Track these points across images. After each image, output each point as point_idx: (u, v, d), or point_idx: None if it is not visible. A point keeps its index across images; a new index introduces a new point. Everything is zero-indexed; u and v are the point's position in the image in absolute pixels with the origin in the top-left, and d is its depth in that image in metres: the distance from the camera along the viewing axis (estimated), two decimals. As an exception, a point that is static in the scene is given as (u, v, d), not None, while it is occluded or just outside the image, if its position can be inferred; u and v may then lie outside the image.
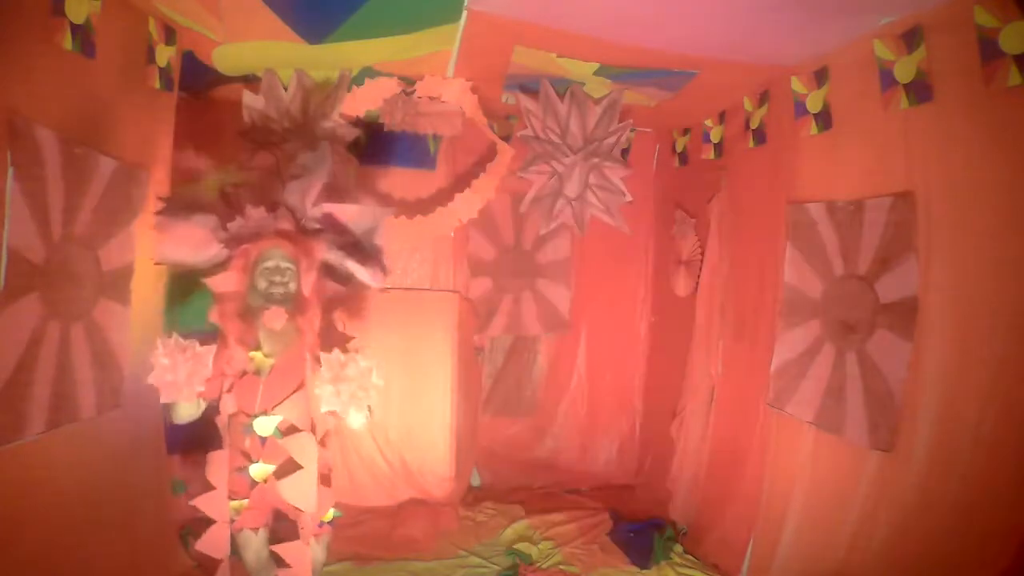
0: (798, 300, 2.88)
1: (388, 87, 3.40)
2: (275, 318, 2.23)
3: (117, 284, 2.57)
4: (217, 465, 2.32)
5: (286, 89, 3.30)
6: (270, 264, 2.28)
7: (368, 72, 3.34)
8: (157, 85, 2.76)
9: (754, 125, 3.29)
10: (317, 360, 2.25)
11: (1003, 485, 2.00)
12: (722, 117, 3.65)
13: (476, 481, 4.38)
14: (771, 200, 3.11)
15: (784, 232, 2.96)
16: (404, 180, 3.98)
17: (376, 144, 3.85)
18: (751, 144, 3.32)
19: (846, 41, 2.57)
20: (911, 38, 2.29)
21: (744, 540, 3.11)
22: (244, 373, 2.30)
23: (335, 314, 2.58)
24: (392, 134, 3.75)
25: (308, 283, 2.31)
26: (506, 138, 3.91)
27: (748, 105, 3.33)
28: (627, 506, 4.03)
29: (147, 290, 2.82)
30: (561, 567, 3.29)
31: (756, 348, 3.22)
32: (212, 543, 2.37)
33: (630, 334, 4.62)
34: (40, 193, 2.05)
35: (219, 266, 2.36)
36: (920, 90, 2.29)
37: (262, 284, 2.27)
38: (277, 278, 2.27)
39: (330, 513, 2.56)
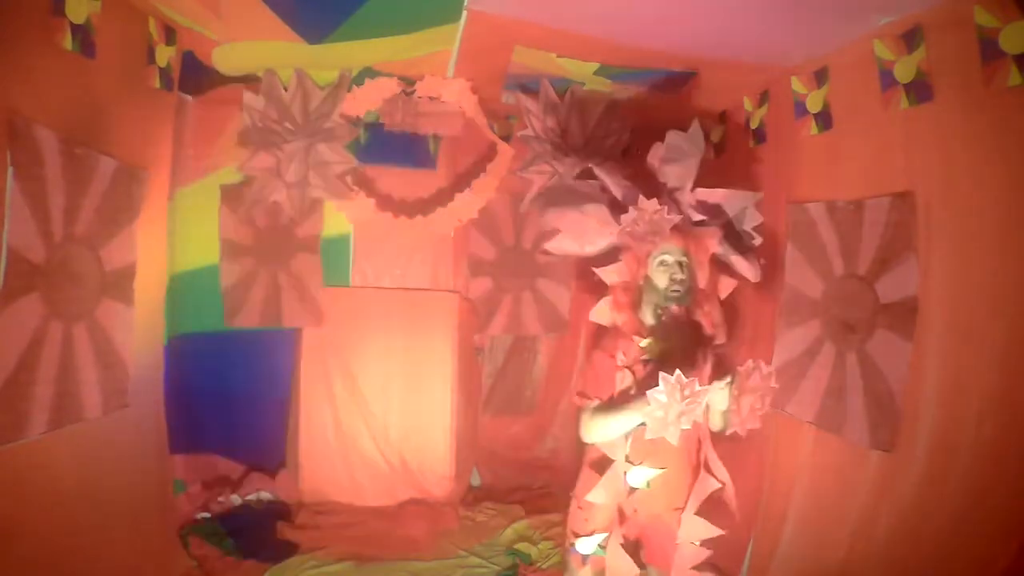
0: (798, 300, 2.88)
1: (388, 87, 3.41)
2: (675, 316, 2.12)
3: (119, 284, 2.58)
4: (613, 480, 2.17)
5: (286, 89, 3.30)
6: (668, 259, 2.15)
7: (368, 72, 3.35)
8: (157, 85, 2.76)
9: (754, 125, 3.29)
10: (718, 358, 2.17)
11: (1003, 485, 2.00)
12: (722, 117, 3.65)
13: (476, 481, 4.38)
14: (771, 200, 3.11)
15: (784, 232, 2.96)
16: (404, 180, 3.98)
17: (376, 144, 3.87)
18: (751, 144, 3.32)
19: (846, 41, 2.57)
20: (911, 38, 2.29)
21: (744, 540, 3.11)
22: (644, 363, 2.14)
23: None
24: (392, 134, 3.75)
25: (703, 276, 2.22)
26: (506, 138, 3.92)
27: (748, 105, 3.33)
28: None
29: (148, 290, 2.82)
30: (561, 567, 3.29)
31: (756, 348, 3.22)
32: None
33: (630, 334, 4.62)
34: (40, 193, 2.06)
35: (608, 255, 2.27)
36: (920, 90, 2.29)
37: (662, 282, 2.16)
38: (678, 276, 2.14)
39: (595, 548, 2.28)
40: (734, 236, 2.35)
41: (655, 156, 2.40)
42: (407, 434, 4.00)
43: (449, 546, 3.46)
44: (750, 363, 2.03)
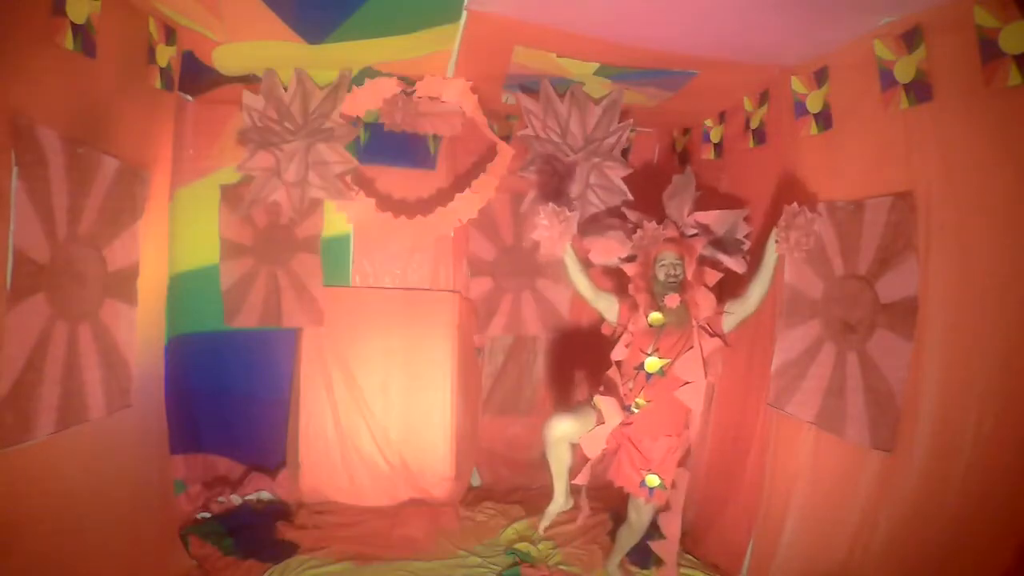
0: (798, 300, 2.89)
1: (388, 87, 3.40)
2: (673, 301, 2.83)
3: (123, 284, 2.58)
4: (610, 406, 2.88)
5: (286, 89, 3.30)
6: (666, 261, 2.92)
7: (368, 72, 3.34)
8: (158, 85, 2.76)
9: (754, 125, 3.30)
10: (704, 328, 2.87)
11: (1003, 485, 2.01)
12: (722, 117, 3.65)
13: (476, 481, 4.38)
14: (771, 200, 3.11)
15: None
16: (404, 180, 3.98)
17: (376, 144, 3.86)
18: (751, 144, 3.33)
19: (846, 41, 2.57)
20: (911, 38, 2.30)
21: (744, 540, 3.11)
22: (645, 328, 2.90)
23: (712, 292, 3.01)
24: (392, 134, 3.75)
25: (691, 271, 2.93)
26: (506, 138, 3.92)
27: (748, 105, 3.33)
28: (627, 506, 4.02)
29: (149, 291, 2.82)
30: (561, 567, 3.29)
31: (756, 348, 3.22)
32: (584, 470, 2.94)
33: (630, 334, 4.63)
34: (44, 193, 2.06)
35: (630, 259, 3.14)
36: (920, 90, 2.30)
37: (661, 275, 2.91)
38: (672, 272, 2.90)
39: (656, 480, 2.87)
40: (725, 242, 3.15)
41: (666, 195, 3.25)
42: (407, 434, 3.99)
43: (449, 546, 3.46)
44: (795, 205, 2.54)
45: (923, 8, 2.22)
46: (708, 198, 3.34)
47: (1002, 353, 2.03)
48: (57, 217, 2.12)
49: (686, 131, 4.09)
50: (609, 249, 3.25)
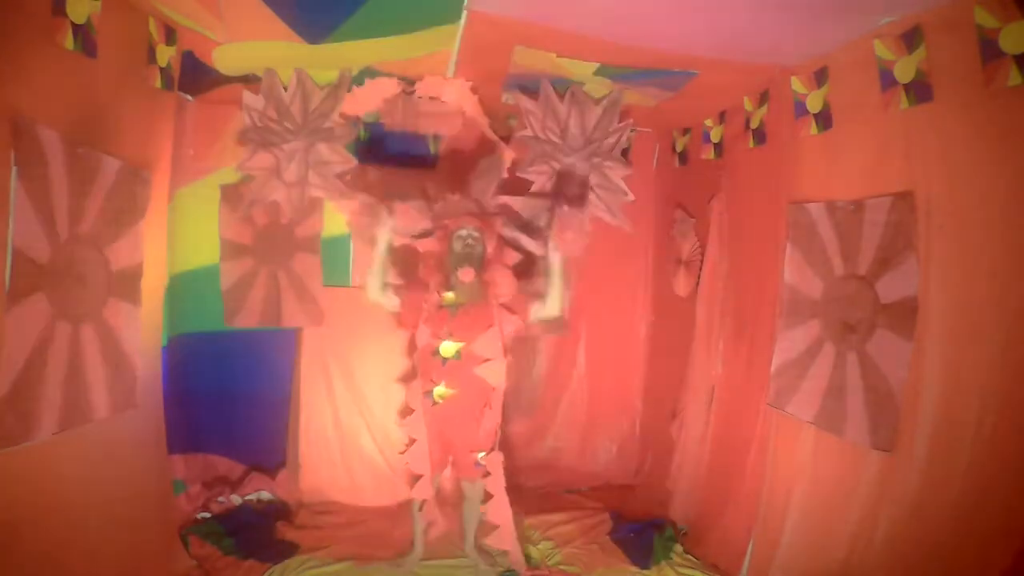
0: (798, 300, 2.89)
1: (388, 87, 3.40)
2: (467, 274, 2.97)
3: (126, 284, 2.58)
4: (415, 392, 3.09)
5: (286, 89, 3.30)
6: (463, 232, 3.06)
7: (368, 72, 3.34)
8: (158, 85, 2.76)
9: (754, 125, 3.29)
10: (504, 307, 3.04)
11: (1003, 485, 2.01)
12: (722, 117, 3.65)
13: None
14: (771, 200, 3.11)
15: (784, 232, 2.97)
16: (404, 180, 3.98)
17: (376, 144, 3.86)
18: (751, 144, 3.33)
19: (846, 41, 2.57)
20: (911, 38, 2.30)
21: (744, 540, 3.11)
22: (439, 307, 3.03)
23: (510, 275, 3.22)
24: (392, 134, 3.75)
25: (491, 247, 3.10)
26: (506, 138, 3.92)
27: (748, 105, 3.33)
28: (627, 506, 4.03)
29: (149, 291, 2.82)
30: (561, 567, 3.28)
31: (756, 348, 3.22)
32: (420, 485, 3.09)
33: (630, 334, 4.62)
34: (44, 193, 2.06)
35: (425, 234, 3.30)
36: (920, 90, 2.30)
37: (458, 247, 3.05)
38: (470, 242, 3.04)
39: (482, 453, 3.10)
40: (528, 226, 3.37)
41: (473, 175, 3.52)
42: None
43: (449, 546, 3.46)
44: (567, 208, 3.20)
45: (923, 8, 2.22)
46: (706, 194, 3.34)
47: (1002, 353, 2.03)
48: (57, 217, 2.12)
49: (686, 131, 4.09)
50: (409, 216, 3.38)
